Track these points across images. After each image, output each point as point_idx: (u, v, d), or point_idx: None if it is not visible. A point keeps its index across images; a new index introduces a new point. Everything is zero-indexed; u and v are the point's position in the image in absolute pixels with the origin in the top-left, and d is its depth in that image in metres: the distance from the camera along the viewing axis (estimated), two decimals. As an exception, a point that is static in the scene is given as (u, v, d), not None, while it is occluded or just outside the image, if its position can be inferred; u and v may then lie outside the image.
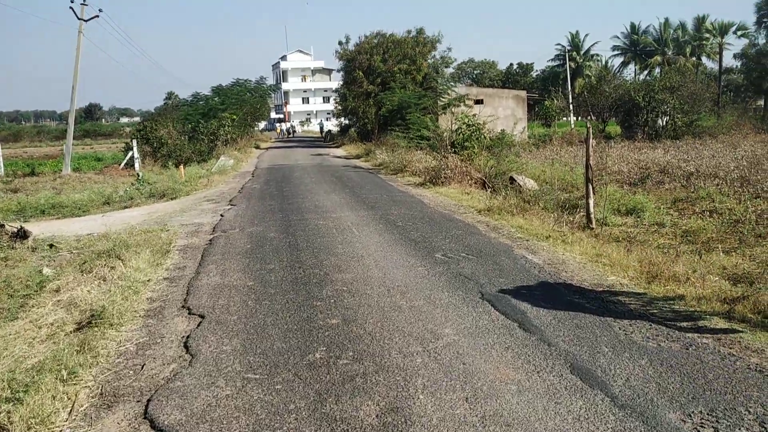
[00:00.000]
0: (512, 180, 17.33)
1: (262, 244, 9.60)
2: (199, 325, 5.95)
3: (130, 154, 29.88)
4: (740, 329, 5.22)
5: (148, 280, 7.81)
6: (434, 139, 25.85)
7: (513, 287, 6.67)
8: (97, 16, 27.50)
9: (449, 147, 21.43)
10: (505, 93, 44.85)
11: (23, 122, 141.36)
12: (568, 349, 4.86)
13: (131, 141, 30.73)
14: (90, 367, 5.07)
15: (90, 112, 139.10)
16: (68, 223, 14.98)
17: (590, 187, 11.28)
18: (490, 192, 16.01)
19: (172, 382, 4.71)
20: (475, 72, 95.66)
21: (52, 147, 66.53)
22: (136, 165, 28.99)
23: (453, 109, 26.97)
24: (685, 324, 5.38)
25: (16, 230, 11.25)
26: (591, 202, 11.31)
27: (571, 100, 62.68)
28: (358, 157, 32.17)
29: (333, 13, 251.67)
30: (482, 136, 21.51)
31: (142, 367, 5.06)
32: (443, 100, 33.72)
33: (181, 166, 23.84)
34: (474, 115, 22.76)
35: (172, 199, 18.11)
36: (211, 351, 5.26)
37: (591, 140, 11.52)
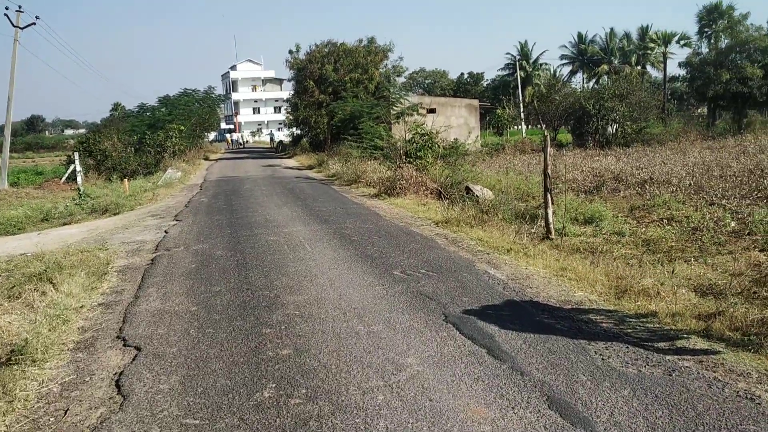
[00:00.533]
0: (468, 190, 17.04)
1: (207, 264, 8.97)
2: (134, 359, 5.33)
3: (72, 167, 28.67)
4: (720, 349, 4.89)
5: (81, 307, 7.12)
6: (388, 149, 25.53)
7: (478, 307, 6.25)
8: (34, 23, 26.34)
9: (403, 157, 21.09)
10: (458, 102, 44.91)
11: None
12: (544, 379, 4.44)
13: (73, 154, 29.53)
14: (4, 414, 4.42)
15: (32, 124, 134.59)
16: (2, 242, 14.05)
17: (549, 196, 11.01)
18: (447, 203, 15.67)
19: (98, 431, 4.11)
20: (426, 81, 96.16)
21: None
22: (79, 179, 27.72)
23: (406, 119, 26.65)
24: (662, 345, 5.03)
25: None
26: (550, 211, 11.04)
27: (522, 109, 63.34)
28: (310, 167, 31.59)
29: (283, 22, 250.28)
30: (436, 146, 21.22)
31: (65, 413, 4.43)
32: (396, 109, 33.46)
33: (125, 180, 22.87)
34: (425, 124, 22.45)
35: (114, 214, 17.24)
36: (146, 391, 4.66)
37: (548, 148, 11.27)
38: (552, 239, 10.67)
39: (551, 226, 10.97)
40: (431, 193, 16.92)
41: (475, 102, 46.03)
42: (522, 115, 62.63)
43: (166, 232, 12.31)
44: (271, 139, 69.50)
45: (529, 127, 67.83)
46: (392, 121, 31.20)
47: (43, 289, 8.00)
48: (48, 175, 32.41)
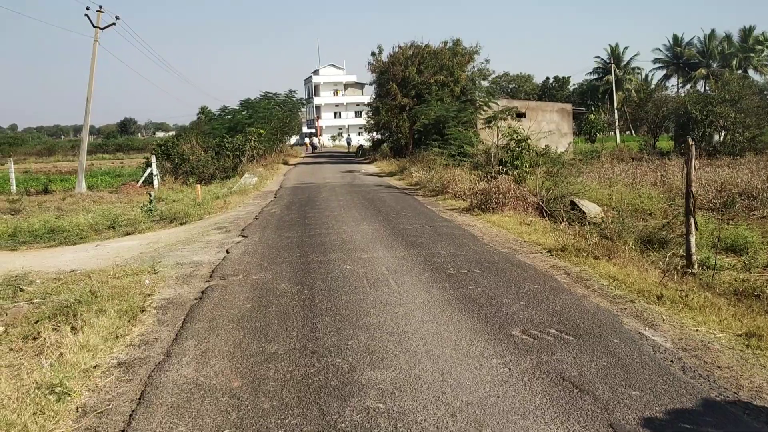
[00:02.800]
0: (573, 205, 14.68)
1: (267, 303, 7.09)
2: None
3: (148, 170, 27.96)
4: None
5: (95, 367, 5.35)
6: (479, 156, 23.35)
7: (662, 413, 4.02)
8: (114, 24, 25.65)
9: (497, 166, 18.87)
10: (549, 106, 42.10)
11: (62, 136, 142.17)
12: None
13: (150, 157, 28.83)
14: None
15: (125, 127, 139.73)
16: (59, 253, 12.83)
17: (692, 221, 8.69)
18: (549, 220, 13.37)
19: None
20: (510, 86, 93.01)
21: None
22: (155, 182, 26.99)
23: (498, 123, 24.34)
24: None
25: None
26: (692, 239, 8.72)
27: (616, 114, 59.55)
28: (391, 174, 29.69)
29: (366, 26, 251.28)
30: (534, 153, 18.88)
31: None
32: (484, 113, 31.08)
33: (198, 186, 21.63)
34: (521, 129, 20.09)
35: (181, 224, 15.85)
36: None
37: (693, 161, 8.91)
38: (695, 274, 8.36)
39: (693, 257, 8.69)
40: (531, 209, 14.64)
41: (568, 106, 43.05)
42: (617, 120, 58.81)
43: (227, 251, 10.60)
44: (348, 144, 68.84)
45: (627, 132, 63.76)
46: (481, 126, 28.91)
47: (63, 330, 6.37)
48: (125, 178, 31.89)
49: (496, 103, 32.00)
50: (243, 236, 12.26)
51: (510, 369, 4.82)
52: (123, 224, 15.91)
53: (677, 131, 38.74)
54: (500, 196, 14.55)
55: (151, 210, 17.39)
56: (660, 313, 6.34)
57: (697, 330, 5.80)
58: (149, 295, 7.83)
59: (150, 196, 18.82)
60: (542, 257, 9.28)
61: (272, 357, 5.30)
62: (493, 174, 18.48)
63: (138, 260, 10.74)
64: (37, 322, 7.18)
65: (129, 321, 6.65)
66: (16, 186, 26.08)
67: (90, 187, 27.51)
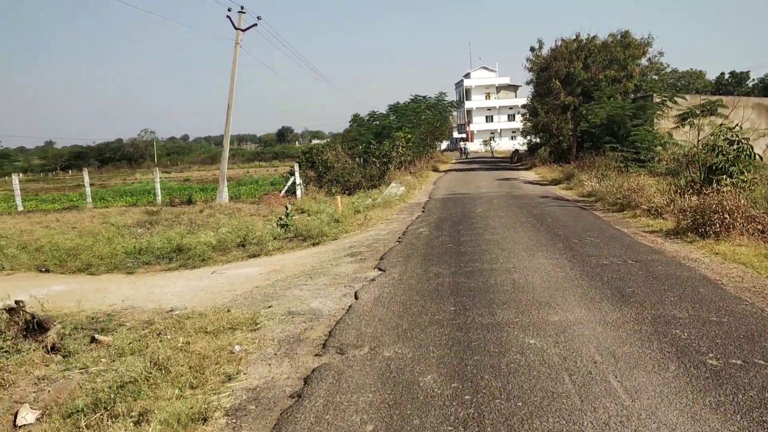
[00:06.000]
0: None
1: (402, 419, 4.15)
2: None
3: (291, 179, 26.37)
4: None
5: None
6: (667, 161, 19.23)
7: None
8: (255, 25, 24.19)
9: (702, 173, 14.77)
10: (743, 101, 35.83)
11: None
12: None
13: (294, 166, 27.30)
14: None
15: (282, 135, 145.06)
16: (171, 280, 10.91)
17: None
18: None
19: None
20: (679, 83, 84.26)
21: (240, 169, 67.56)
22: (298, 192, 25.32)
23: (693, 121, 19.85)
24: None
25: (29, 318, 6.87)
26: None
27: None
28: (555, 182, 25.90)
29: (519, 26, 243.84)
30: (753, 157, 14.55)
31: None
32: (668, 110, 26.22)
33: (338, 198, 19.36)
34: (736, 125, 15.71)
35: (314, 244, 13.52)
36: None
37: None
38: None
39: None
40: (762, 233, 10.60)
41: (766, 101, 36.50)
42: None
43: (355, 296, 7.80)
44: (464, 151, 67.16)
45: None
46: (673, 126, 24.27)
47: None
48: (267, 188, 30.71)
49: (684, 98, 26.99)
50: (380, 269, 9.45)
51: None
52: (253, 242, 13.87)
53: None
54: (725, 215, 10.64)
55: (286, 225, 15.30)
56: None
57: None
58: (229, 380, 5.19)
59: (286, 209, 16.75)
60: None
61: None
62: (699, 183, 14.44)
63: (247, 300, 8.37)
64: (69, 416, 4.84)
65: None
66: (162, 197, 25.43)
67: (232, 197, 26.36)
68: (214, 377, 5.23)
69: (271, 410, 4.52)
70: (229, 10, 23.56)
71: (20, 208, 23.23)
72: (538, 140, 42.23)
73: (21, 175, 68.62)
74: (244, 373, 5.33)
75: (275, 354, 5.79)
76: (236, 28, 23.66)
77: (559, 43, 35.88)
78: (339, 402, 4.52)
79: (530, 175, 32.20)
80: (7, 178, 39.50)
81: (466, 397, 4.45)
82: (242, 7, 23.67)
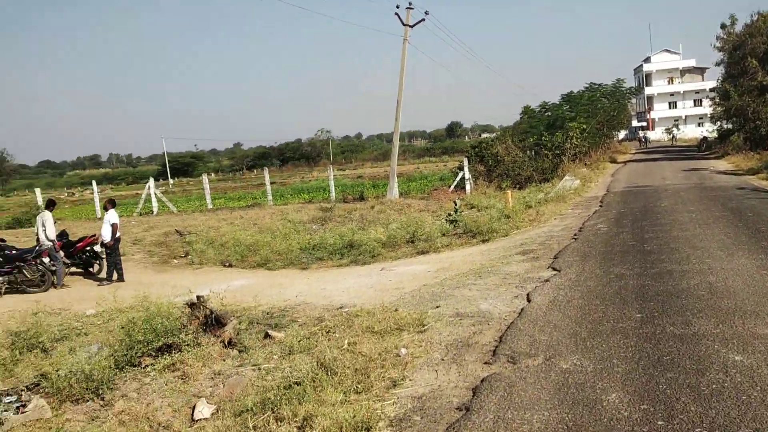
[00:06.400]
0: None
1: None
2: None
3: (460, 174, 26.10)
4: None
5: None
6: None
7: None
8: (423, 20, 24.15)
9: None
10: None
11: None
12: None
13: (463, 160, 26.99)
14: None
15: (451, 130, 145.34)
16: (342, 277, 11.12)
17: None
18: None
19: None
20: None
21: (411, 165, 68.62)
22: (467, 187, 25.00)
23: None
24: None
25: (208, 313, 7.19)
26: None
27: None
28: (753, 172, 23.14)
29: (708, 3, 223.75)
30: None
31: None
32: None
33: (508, 193, 18.74)
34: None
35: (483, 241, 13.13)
36: None
37: None
38: None
39: None
40: None
41: None
42: None
43: (528, 299, 7.30)
44: (673, 137, 61.52)
45: None
46: None
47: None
48: (436, 183, 30.62)
49: None
50: (554, 269, 8.83)
51: None
52: (421, 238, 13.78)
53: None
54: None
55: (454, 221, 15.06)
56: None
57: None
58: (394, 386, 4.97)
59: (455, 204, 16.50)
60: None
61: None
62: None
63: (415, 299, 8.20)
64: (239, 414, 4.90)
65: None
66: (335, 193, 26.30)
67: (402, 193, 26.61)
68: (379, 382, 5.05)
69: (437, 423, 4.22)
70: (397, 6, 23.72)
71: (210, 206, 25.14)
72: (729, 126, 38.26)
73: (212, 174, 75.32)
74: (410, 379, 5.09)
75: (442, 359, 5.50)
76: (404, 25, 23.76)
77: (755, 17, 32.26)
78: (510, 419, 4.11)
79: (722, 164, 29.17)
80: (199, 177, 43.26)
81: (659, 423, 3.84)
82: (410, 3, 23.76)
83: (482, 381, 4.85)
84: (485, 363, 5.27)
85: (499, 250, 11.47)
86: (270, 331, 7.28)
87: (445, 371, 5.20)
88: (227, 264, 13.35)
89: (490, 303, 7.33)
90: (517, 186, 24.47)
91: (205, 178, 27.46)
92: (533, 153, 28.48)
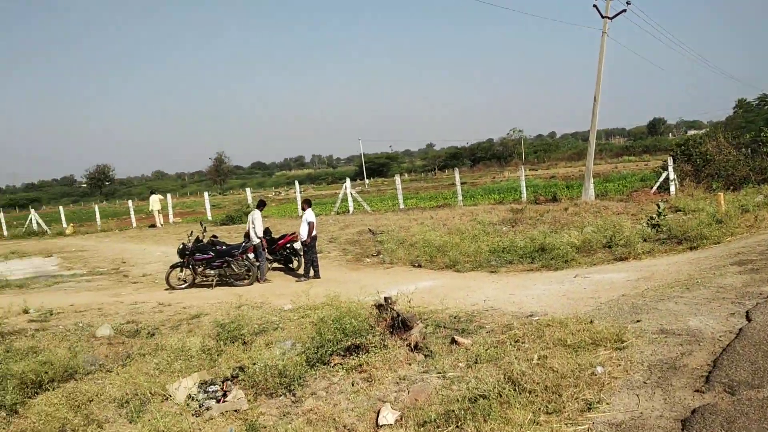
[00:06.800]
0: None
1: None
2: None
3: (664, 174, 24.12)
4: None
5: None
6: None
7: None
8: (624, 11, 22.62)
9: None
10: None
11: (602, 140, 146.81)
12: None
13: (668, 159, 24.92)
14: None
15: (653, 127, 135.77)
16: (532, 282, 10.84)
17: None
18: None
19: None
20: None
21: (608, 164, 64.95)
22: (671, 188, 23.05)
23: None
24: None
25: (395, 315, 7.23)
26: None
27: None
28: None
29: None
30: None
31: None
32: None
33: (721, 195, 16.90)
34: None
35: (690, 248, 12.02)
36: None
37: None
38: None
39: None
40: None
41: None
42: None
43: (747, 317, 6.39)
44: None
45: None
46: None
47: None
48: (640, 184, 28.56)
49: None
50: (778, 286, 7.72)
51: None
52: (620, 243, 12.90)
53: None
54: None
55: (657, 225, 13.94)
56: None
57: None
58: (589, 409, 4.57)
59: (658, 207, 15.22)
60: None
61: None
62: None
63: (612, 310, 7.60)
64: (423, 425, 4.83)
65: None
66: (527, 194, 25.60)
67: (599, 194, 25.21)
68: (572, 403, 4.67)
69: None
70: (596, -2, 22.47)
71: (401, 206, 25.73)
72: None
73: (405, 175, 77.45)
74: (607, 403, 4.65)
75: (644, 383, 4.97)
76: (603, 17, 22.46)
77: None
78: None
79: None
80: (393, 177, 44.63)
81: None
82: (610, -6, 22.40)
83: (693, 412, 4.28)
84: (696, 391, 4.66)
85: (709, 259, 10.31)
86: (457, 337, 7.12)
87: (649, 397, 4.68)
88: (416, 264, 13.49)
89: (701, 320, 6.54)
90: (731, 187, 22.10)
91: (397, 178, 28.17)
92: (750, 151, 25.53)
